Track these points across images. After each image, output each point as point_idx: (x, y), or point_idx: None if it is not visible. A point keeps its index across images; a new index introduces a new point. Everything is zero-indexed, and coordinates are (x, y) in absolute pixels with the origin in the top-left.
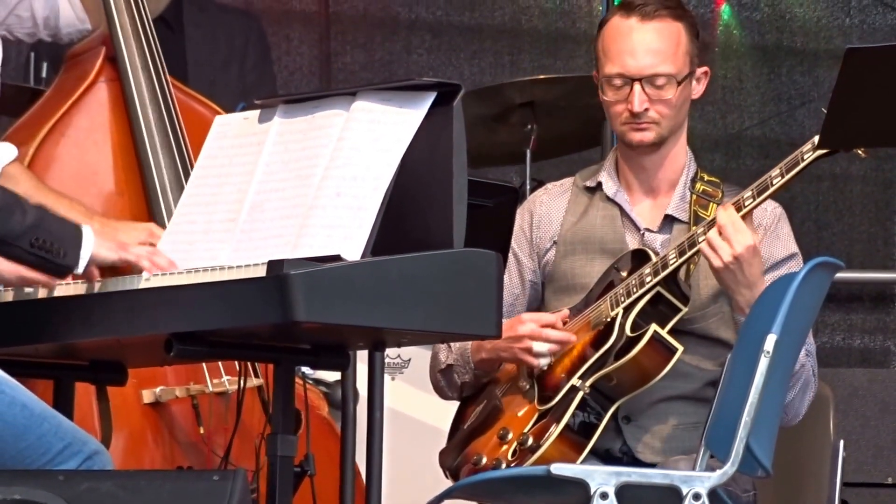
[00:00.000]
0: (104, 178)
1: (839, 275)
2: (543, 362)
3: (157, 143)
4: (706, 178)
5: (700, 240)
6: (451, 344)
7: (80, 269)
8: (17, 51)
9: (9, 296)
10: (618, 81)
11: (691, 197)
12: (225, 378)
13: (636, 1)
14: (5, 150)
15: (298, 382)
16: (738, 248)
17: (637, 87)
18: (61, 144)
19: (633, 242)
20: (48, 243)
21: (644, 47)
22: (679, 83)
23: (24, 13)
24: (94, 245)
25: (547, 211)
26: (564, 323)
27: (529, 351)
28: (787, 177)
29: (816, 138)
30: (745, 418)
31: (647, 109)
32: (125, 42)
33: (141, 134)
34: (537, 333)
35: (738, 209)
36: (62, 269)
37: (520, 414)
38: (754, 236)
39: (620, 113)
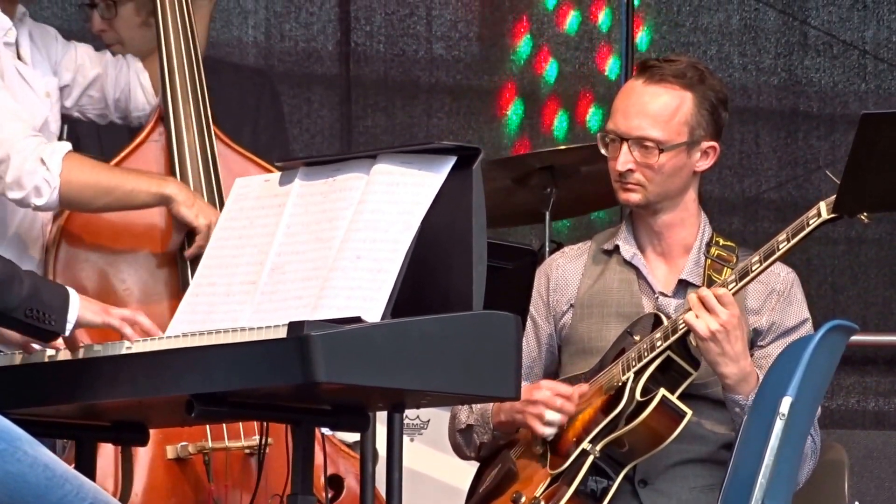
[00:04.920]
0: (150, 233)
1: (854, 337)
2: (549, 432)
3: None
4: (721, 242)
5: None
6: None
7: (66, 333)
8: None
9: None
10: (610, 138)
11: (706, 261)
12: (243, 436)
13: (652, 63)
14: (62, 145)
15: (342, 448)
16: (724, 315)
17: (624, 146)
18: None
19: (649, 306)
20: (41, 313)
21: (637, 109)
22: (663, 151)
23: (96, 94)
24: (79, 309)
25: (563, 274)
26: (581, 396)
27: (541, 418)
28: (793, 241)
29: (822, 203)
30: (761, 480)
31: (631, 171)
32: (173, 104)
33: None
34: (551, 401)
35: (745, 274)
36: (50, 336)
37: (533, 477)
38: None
39: (613, 170)
